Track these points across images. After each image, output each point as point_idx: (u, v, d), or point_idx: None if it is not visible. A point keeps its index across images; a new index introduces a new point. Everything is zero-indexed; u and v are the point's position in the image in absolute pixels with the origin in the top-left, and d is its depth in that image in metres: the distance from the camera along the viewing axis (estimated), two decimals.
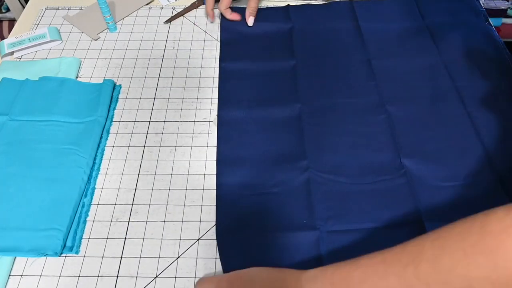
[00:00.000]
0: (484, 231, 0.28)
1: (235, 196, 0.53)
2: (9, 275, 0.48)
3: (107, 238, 0.51)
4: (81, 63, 0.70)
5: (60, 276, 0.48)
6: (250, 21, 0.74)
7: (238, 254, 0.49)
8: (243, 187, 0.54)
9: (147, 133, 0.61)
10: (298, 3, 0.79)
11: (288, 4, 0.78)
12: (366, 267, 0.34)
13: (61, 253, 0.49)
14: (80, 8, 0.79)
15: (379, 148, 0.58)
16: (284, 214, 0.52)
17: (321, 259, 0.48)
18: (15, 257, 0.49)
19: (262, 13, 0.76)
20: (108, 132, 0.60)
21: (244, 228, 0.51)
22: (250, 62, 0.69)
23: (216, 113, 0.62)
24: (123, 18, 0.78)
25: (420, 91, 0.64)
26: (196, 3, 0.79)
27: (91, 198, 0.54)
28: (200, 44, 0.73)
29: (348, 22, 0.75)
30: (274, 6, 0.79)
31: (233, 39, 0.73)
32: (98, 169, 0.57)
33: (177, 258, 0.49)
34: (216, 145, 0.59)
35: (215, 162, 0.57)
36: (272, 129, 0.60)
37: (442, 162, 0.56)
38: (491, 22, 0.75)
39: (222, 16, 0.75)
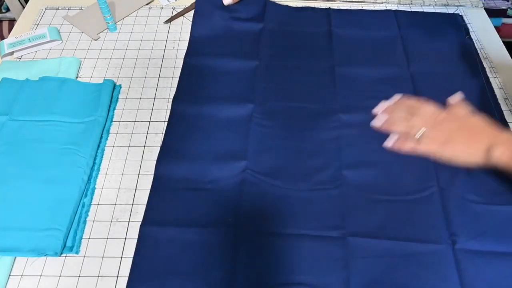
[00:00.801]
0: None
1: (169, 189, 0.54)
2: (9, 275, 0.48)
3: (107, 238, 0.51)
4: (81, 63, 0.70)
5: (60, 276, 0.48)
6: (226, 1, 0.75)
7: (155, 247, 0.49)
8: (178, 180, 0.54)
9: (147, 133, 0.61)
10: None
11: None
12: None
13: (61, 253, 0.49)
14: (80, 8, 0.79)
15: (322, 156, 0.57)
16: (210, 211, 0.52)
17: (235, 259, 0.48)
18: (15, 257, 0.49)
19: (238, 5, 0.76)
20: (108, 132, 0.60)
21: (168, 222, 0.51)
22: (214, 59, 0.69)
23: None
24: (123, 18, 0.78)
25: (378, 102, 0.63)
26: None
27: (91, 198, 0.54)
28: None
29: (321, 27, 0.74)
30: None
31: (203, 35, 0.73)
32: (98, 169, 0.57)
33: None
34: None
35: None
36: (220, 127, 0.60)
37: (385, 175, 0.55)
38: (471, 37, 0.73)
39: (196, 11, 0.76)
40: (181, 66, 0.69)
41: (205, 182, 0.54)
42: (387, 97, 0.64)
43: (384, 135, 0.59)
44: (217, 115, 0.61)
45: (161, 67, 0.69)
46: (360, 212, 0.52)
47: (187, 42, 0.73)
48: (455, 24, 0.75)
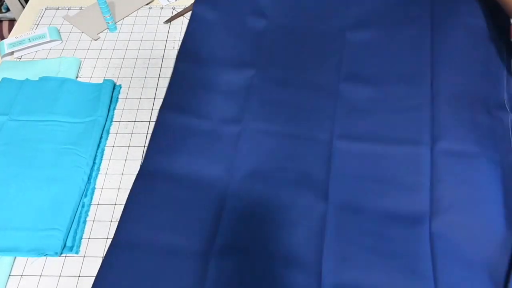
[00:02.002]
0: None
1: (142, 212, 0.51)
2: (9, 275, 0.48)
3: (107, 238, 0.51)
4: (81, 63, 0.70)
5: (60, 276, 0.48)
6: None
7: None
8: (154, 206, 0.52)
9: (147, 133, 0.61)
10: None
11: None
12: None
13: (61, 253, 0.49)
14: (80, 8, 0.80)
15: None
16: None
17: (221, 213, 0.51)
18: (15, 257, 0.49)
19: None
20: (108, 132, 0.60)
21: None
22: (206, 67, 0.64)
23: None
24: (123, 18, 0.78)
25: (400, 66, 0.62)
26: None
27: (91, 198, 0.54)
28: None
29: (332, 28, 0.68)
30: None
31: (198, 36, 0.70)
32: (98, 169, 0.57)
33: None
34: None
35: None
36: (205, 140, 0.57)
37: (379, 88, 0.59)
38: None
39: (192, 14, 0.73)
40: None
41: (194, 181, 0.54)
42: (406, 61, 0.63)
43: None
44: (205, 129, 0.58)
45: (161, 67, 0.69)
46: (351, 118, 0.57)
47: None
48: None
